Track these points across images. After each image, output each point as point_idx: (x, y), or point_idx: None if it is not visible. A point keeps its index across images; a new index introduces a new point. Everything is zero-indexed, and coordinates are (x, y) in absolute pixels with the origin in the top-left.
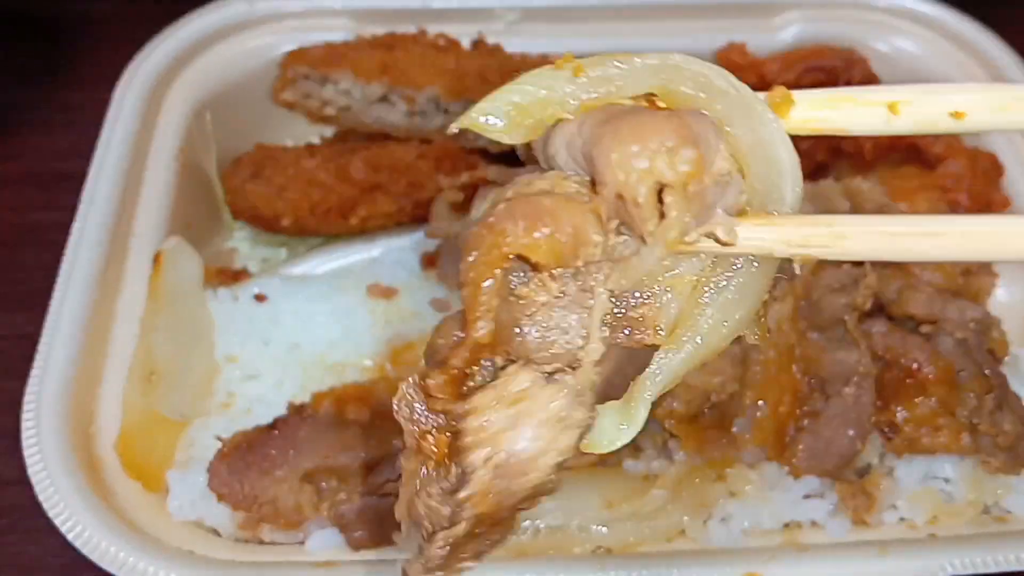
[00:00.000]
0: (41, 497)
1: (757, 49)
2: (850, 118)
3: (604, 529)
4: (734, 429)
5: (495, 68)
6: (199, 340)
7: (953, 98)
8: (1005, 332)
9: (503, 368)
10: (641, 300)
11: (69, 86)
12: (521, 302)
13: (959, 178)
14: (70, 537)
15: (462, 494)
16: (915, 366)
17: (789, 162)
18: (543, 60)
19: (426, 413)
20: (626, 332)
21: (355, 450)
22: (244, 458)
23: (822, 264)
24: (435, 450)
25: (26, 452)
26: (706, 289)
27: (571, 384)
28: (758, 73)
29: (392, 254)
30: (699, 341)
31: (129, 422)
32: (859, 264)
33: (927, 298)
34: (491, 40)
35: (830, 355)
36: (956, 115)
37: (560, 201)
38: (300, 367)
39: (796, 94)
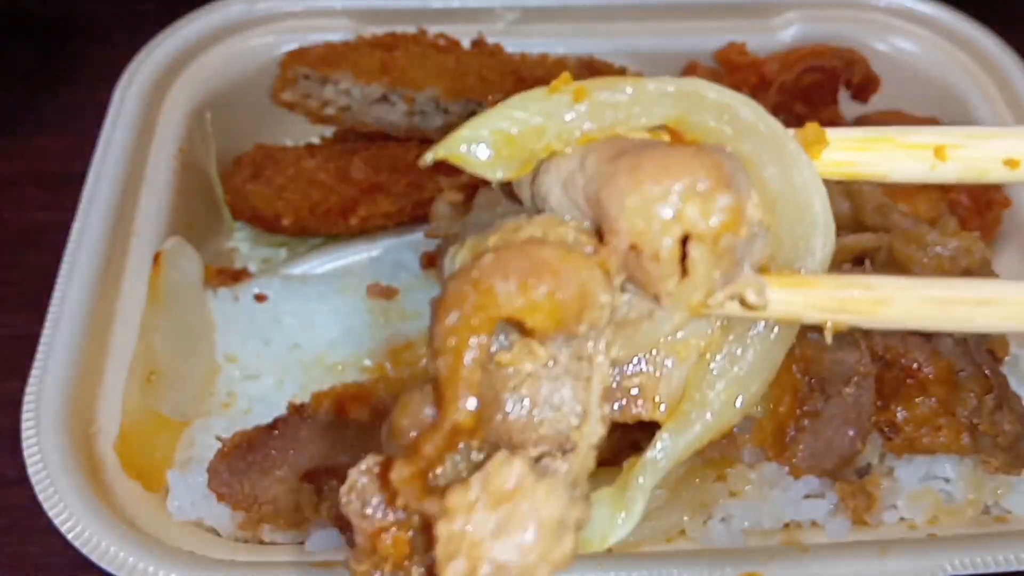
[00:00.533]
0: (41, 497)
1: (757, 49)
2: (890, 162)
3: None
4: (734, 429)
5: (495, 68)
6: (199, 340)
7: (1007, 144)
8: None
9: (483, 455)
10: (638, 367)
11: (69, 86)
12: (503, 371)
13: None
14: (70, 537)
15: None
16: (915, 366)
17: (822, 213)
18: (543, 60)
19: (383, 508)
20: (618, 405)
21: (355, 450)
22: (244, 458)
23: None
24: (393, 551)
25: (26, 452)
26: (717, 357)
27: (564, 473)
28: (758, 73)
29: (392, 254)
30: (709, 419)
31: (129, 422)
32: (859, 263)
33: None
34: (491, 40)
35: (830, 355)
36: (1011, 163)
37: (561, 253)
38: (300, 367)
39: (830, 132)
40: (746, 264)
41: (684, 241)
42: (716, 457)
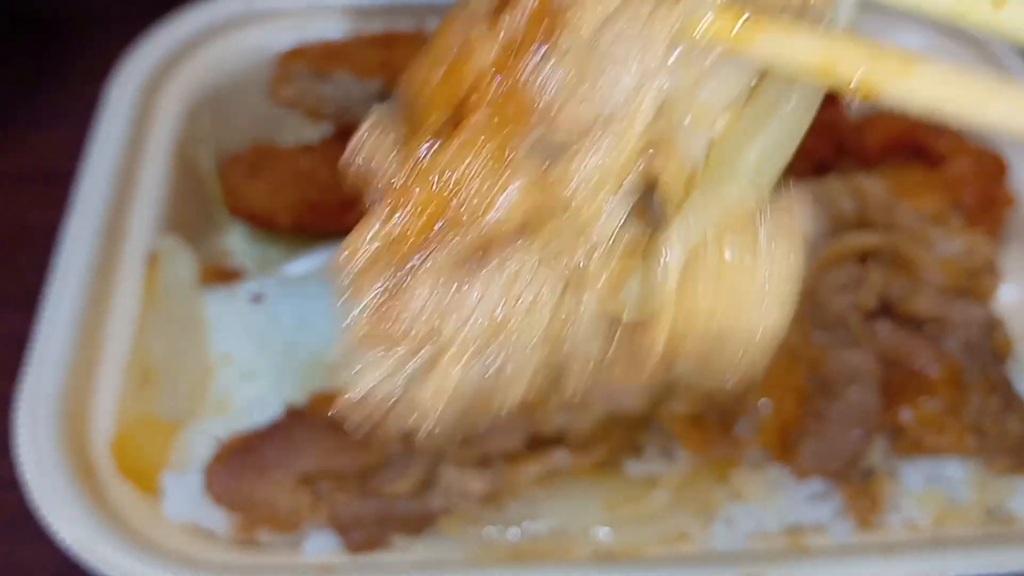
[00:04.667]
0: (34, 499)
1: None
2: None
3: (605, 532)
4: (737, 430)
5: None
6: (195, 341)
7: None
8: (1009, 333)
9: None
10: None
11: (62, 82)
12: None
13: (964, 176)
14: (63, 540)
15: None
16: (920, 366)
17: None
18: None
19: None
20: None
21: (353, 452)
22: (241, 460)
23: (827, 263)
24: (417, 219)
25: (19, 454)
26: (747, 119)
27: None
28: None
29: None
30: (741, 180)
31: (124, 424)
32: (863, 262)
33: (932, 297)
34: None
35: (834, 355)
36: (996, 2)
37: None
38: (298, 368)
39: None
40: None
41: None
42: (719, 459)
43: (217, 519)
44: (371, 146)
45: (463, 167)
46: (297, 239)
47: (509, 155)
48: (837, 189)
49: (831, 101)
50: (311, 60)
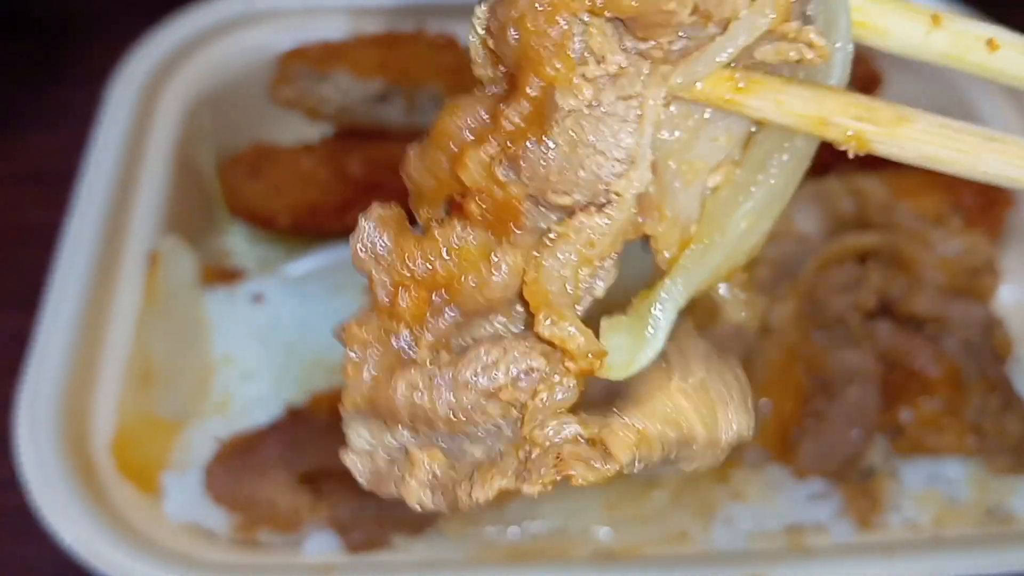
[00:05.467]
0: (34, 499)
1: None
2: (893, 18)
3: (605, 532)
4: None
5: None
6: (195, 341)
7: (994, 31)
8: (1009, 333)
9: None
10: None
11: (63, 83)
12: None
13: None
14: (64, 539)
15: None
16: (919, 366)
17: (846, 27)
18: None
19: (400, 261)
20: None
21: None
22: (241, 460)
23: (827, 263)
24: (410, 310)
25: (19, 454)
26: (738, 177)
27: (606, 228)
28: None
29: None
30: (731, 241)
31: (124, 423)
32: (863, 262)
33: (931, 297)
34: None
35: (834, 355)
36: (992, 44)
37: None
38: (298, 367)
39: None
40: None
41: None
42: None
43: (217, 519)
44: (370, 238)
45: (457, 255)
46: (297, 239)
47: (501, 240)
48: (837, 189)
49: None
50: (311, 60)
